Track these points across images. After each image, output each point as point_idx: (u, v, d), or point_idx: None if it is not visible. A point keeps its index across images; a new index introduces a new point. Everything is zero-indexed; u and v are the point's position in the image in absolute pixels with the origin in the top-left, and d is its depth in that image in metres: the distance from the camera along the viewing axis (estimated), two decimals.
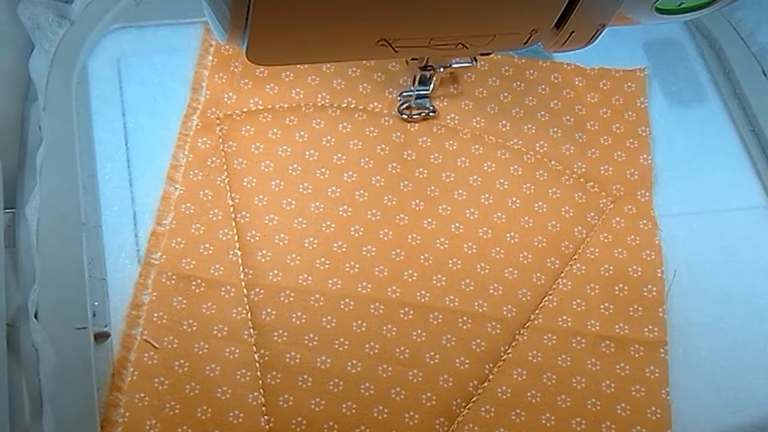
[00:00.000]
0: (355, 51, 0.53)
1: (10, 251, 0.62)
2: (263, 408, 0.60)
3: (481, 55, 0.67)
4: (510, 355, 0.63)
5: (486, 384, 0.62)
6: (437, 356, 0.63)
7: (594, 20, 0.52)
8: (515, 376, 0.62)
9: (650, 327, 0.65)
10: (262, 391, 0.61)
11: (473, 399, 0.62)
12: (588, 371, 0.63)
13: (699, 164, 0.73)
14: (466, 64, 0.70)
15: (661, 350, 0.64)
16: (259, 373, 0.61)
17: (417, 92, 0.71)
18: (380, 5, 0.47)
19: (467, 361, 0.62)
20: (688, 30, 0.80)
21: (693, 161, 0.73)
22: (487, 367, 0.62)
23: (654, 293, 0.66)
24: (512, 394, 0.62)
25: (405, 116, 0.71)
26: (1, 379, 0.56)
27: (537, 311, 0.65)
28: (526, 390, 0.62)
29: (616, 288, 0.66)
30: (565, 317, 0.65)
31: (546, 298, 0.65)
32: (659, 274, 0.67)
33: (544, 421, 0.61)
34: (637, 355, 0.64)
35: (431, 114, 0.71)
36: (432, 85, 0.71)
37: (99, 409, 0.59)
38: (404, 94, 0.72)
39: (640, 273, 0.67)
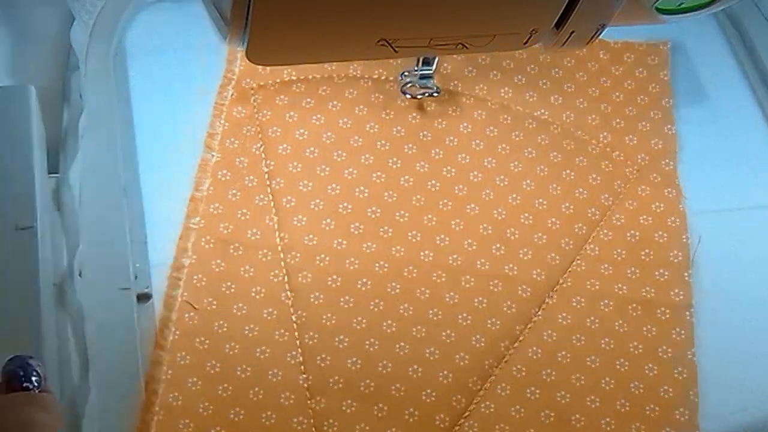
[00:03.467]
0: (355, 51, 0.53)
1: (56, 214, 0.64)
2: (301, 367, 0.62)
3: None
4: (540, 317, 0.65)
5: (517, 344, 0.64)
6: (469, 317, 0.64)
7: (594, 20, 0.52)
8: (545, 337, 0.64)
9: (676, 290, 0.66)
10: (299, 350, 0.63)
11: (505, 359, 0.63)
12: (616, 333, 0.65)
13: (721, 134, 0.75)
14: None
15: (687, 312, 0.65)
16: (296, 334, 0.63)
17: (420, 72, 0.72)
18: (380, 5, 0.47)
19: (498, 323, 0.64)
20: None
21: (715, 136, 0.75)
22: (517, 328, 0.64)
23: (679, 258, 0.67)
24: (542, 355, 0.63)
25: (408, 95, 0.72)
26: (50, 338, 0.58)
27: (566, 275, 0.67)
28: (556, 351, 0.64)
29: (642, 253, 0.68)
30: (593, 281, 0.66)
31: (574, 263, 0.67)
32: (684, 240, 0.68)
33: (574, 381, 0.63)
34: (663, 318, 0.65)
35: (435, 94, 0.72)
36: (435, 66, 0.72)
37: (142, 367, 0.61)
38: (405, 73, 0.72)
39: (665, 239, 0.68)
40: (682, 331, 0.65)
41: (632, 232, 0.69)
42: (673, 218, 0.69)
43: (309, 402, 0.61)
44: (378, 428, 0.60)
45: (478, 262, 0.66)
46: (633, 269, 0.67)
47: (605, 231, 0.69)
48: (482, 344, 0.64)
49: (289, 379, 0.62)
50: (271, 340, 0.63)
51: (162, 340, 0.62)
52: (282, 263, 0.65)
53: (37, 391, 0.46)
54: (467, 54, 0.68)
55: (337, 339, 0.63)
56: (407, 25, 0.48)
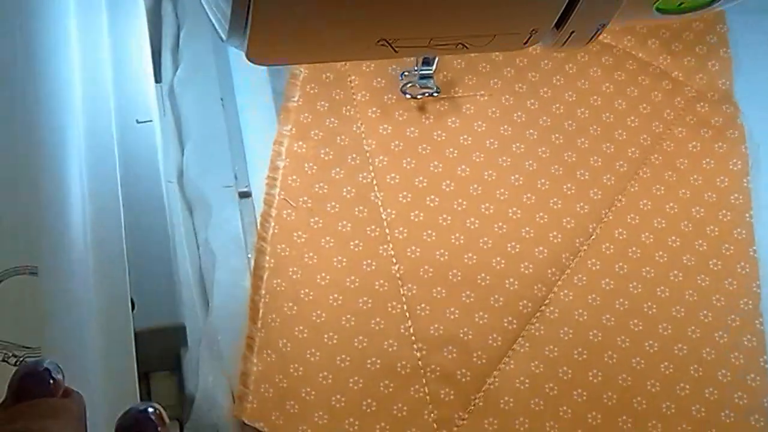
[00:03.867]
0: (355, 51, 0.54)
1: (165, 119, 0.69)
2: (393, 259, 0.67)
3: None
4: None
5: (590, 241, 0.69)
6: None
7: (594, 20, 0.52)
8: (617, 235, 0.69)
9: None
10: (390, 244, 0.67)
11: (580, 253, 0.68)
12: (681, 231, 0.69)
13: None
14: None
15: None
16: (387, 230, 0.68)
17: (420, 71, 0.73)
18: (380, 5, 0.47)
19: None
20: None
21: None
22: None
23: (738, 166, 0.72)
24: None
25: (408, 95, 0.74)
26: (172, 229, 0.63)
27: (620, 196, 0.71)
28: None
29: (704, 162, 0.72)
30: (658, 186, 0.71)
31: (641, 171, 0.72)
32: (743, 149, 0.73)
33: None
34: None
35: (435, 94, 0.74)
36: (435, 66, 0.73)
37: (247, 256, 0.66)
38: (405, 73, 0.74)
39: (724, 149, 0.73)
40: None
41: (693, 143, 0.74)
42: (731, 131, 0.74)
43: (401, 289, 0.66)
44: (466, 312, 0.65)
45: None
46: (695, 176, 0.72)
47: (668, 142, 0.73)
48: (559, 240, 0.68)
49: (382, 269, 0.67)
50: (364, 235, 0.68)
51: (263, 232, 0.67)
52: (370, 167, 0.70)
53: None
54: (467, 54, 0.68)
55: (425, 234, 0.68)
56: (407, 25, 0.49)
